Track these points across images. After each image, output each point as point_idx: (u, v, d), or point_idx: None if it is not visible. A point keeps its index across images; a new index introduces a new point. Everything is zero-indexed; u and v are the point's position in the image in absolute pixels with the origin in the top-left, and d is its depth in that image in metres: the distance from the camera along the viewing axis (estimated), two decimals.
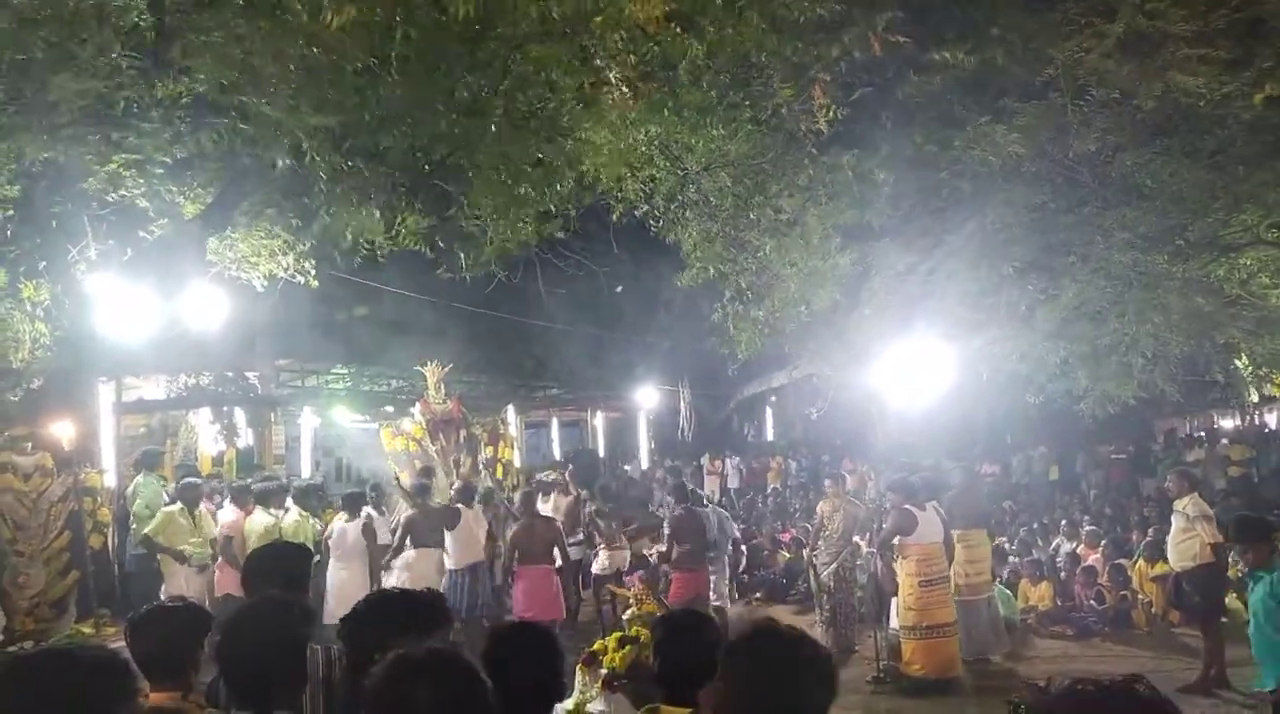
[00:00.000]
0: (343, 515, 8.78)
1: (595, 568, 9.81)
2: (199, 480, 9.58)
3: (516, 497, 10.02)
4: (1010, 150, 8.72)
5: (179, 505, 8.61)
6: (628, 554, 9.92)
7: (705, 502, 10.30)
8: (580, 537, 10.80)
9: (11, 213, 6.66)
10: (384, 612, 2.49)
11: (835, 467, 19.18)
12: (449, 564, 8.62)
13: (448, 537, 8.67)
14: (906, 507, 7.96)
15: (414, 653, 1.69)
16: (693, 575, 8.46)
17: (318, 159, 6.44)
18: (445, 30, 5.88)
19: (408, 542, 8.53)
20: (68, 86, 5.56)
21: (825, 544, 9.28)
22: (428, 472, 10.44)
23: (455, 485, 9.55)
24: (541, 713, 2.27)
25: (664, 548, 8.89)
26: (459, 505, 8.86)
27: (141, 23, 5.55)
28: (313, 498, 9.85)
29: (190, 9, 5.81)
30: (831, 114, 7.41)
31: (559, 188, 7.68)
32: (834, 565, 9.11)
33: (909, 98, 8.23)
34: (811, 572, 9.58)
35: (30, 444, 8.82)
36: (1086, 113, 8.57)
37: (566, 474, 12.16)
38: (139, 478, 9.48)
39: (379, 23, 5.60)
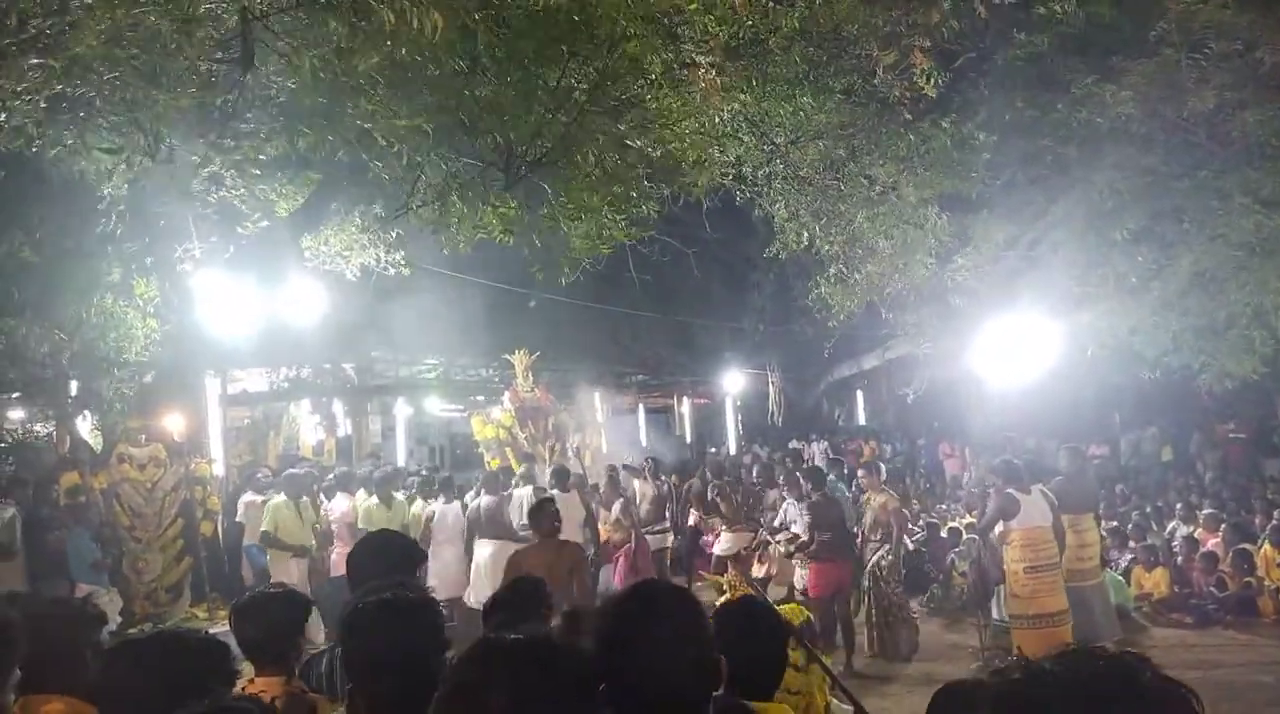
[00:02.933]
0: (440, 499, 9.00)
1: (718, 549, 9.65)
2: (300, 471, 9.87)
3: (601, 483, 10.05)
4: (1119, 111, 8.22)
5: (284, 498, 8.89)
6: (751, 535, 9.74)
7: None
8: (666, 525, 10.75)
9: (123, 211, 6.93)
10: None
11: (932, 450, 18.71)
12: None
13: None
14: (1009, 491, 7.63)
15: (498, 639, 1.58)
16: (833, 566, 8.06)
17: (412, 156, 6.49)
18: (540, 29, 5.86)
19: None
20: (161, 100, 5.73)
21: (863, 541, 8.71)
22: (529, 460, 10.56)
23: (550, 470, 9.62)
24: None
25: (802, 537, 8.47)
26: (555, 491, 8.93)
27: (224, 34, 5.68)
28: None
29: (274, 13, 5.92)
30: (934, 79, 7.08)
31: (651, 187, 7.60)
32: (872, 561, 8.49)
33: (1012, 59, 7.82)
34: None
35: (144, 436, 9.24)
36: (1204, 68, 8.03)
37: (645, 463, 12.02)
38: (277, 498, 9.17)
39: (471, 24, 5.59)
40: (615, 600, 1.77)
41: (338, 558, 8.66)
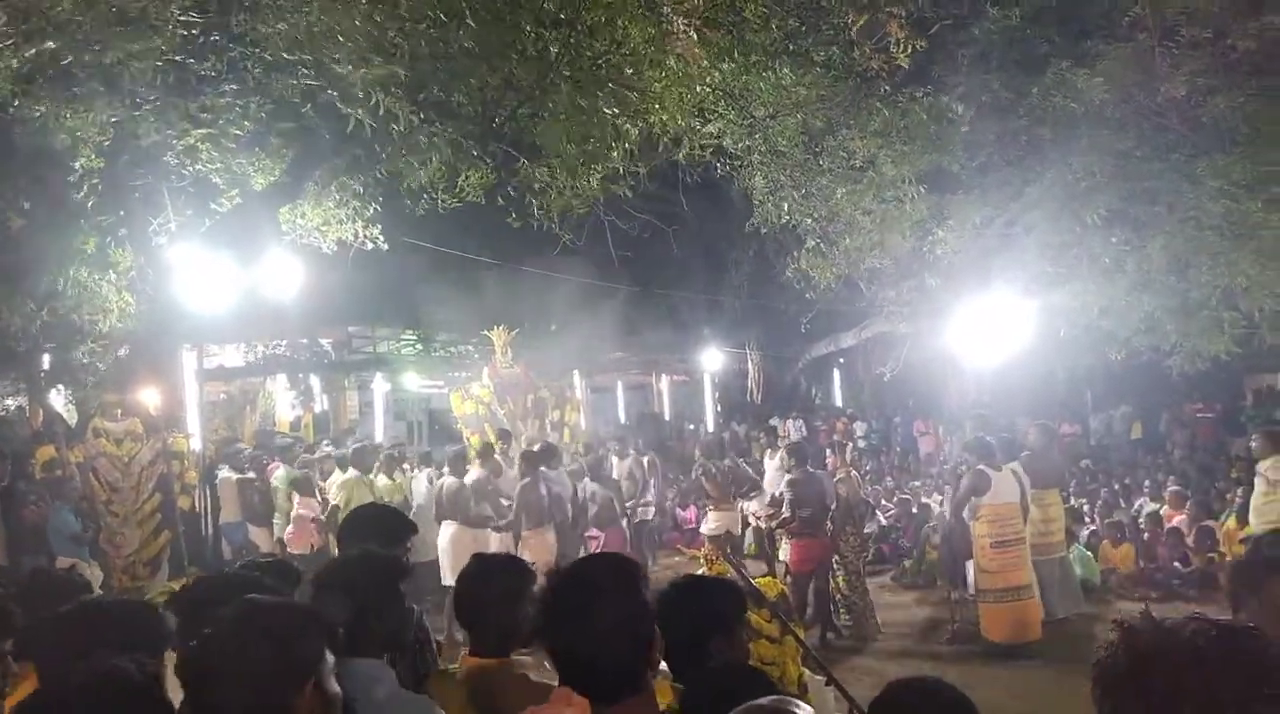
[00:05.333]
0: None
1: (705, 529, 9.63)
2: (368, 443, 9.71)
3: (585, 462, 10.05)
4: (1093, 96, 8.31)
5: (355, 473, 8.77)
6: (738, 515, 9.75)
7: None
8: (648, 499, 10.81)
9: (97, 183, 6.86)
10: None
11: (907, 427, 18.92)
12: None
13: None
14: (981, 467, 7.80)
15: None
16: (814, 543, 8.14)
17: (389, 108, 6.43)
18: None
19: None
20: (128, 47, 5.63)
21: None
22: (505, 435, 10.54)
23: (534, 449, 9.54)
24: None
25: (784, 513, 8.43)
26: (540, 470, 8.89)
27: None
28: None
29: None
30: (909, 48, 7.11)
31: (625, 140, 7.56)
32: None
33: (986, 33, 7.88)
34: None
35: (120, 410, 9.18)
36: (1176, 54, 8.13)
37: (617, 443, 12.02)
38: (348, 474, 9.09)
39: None
40: (555, 575, 1.85)
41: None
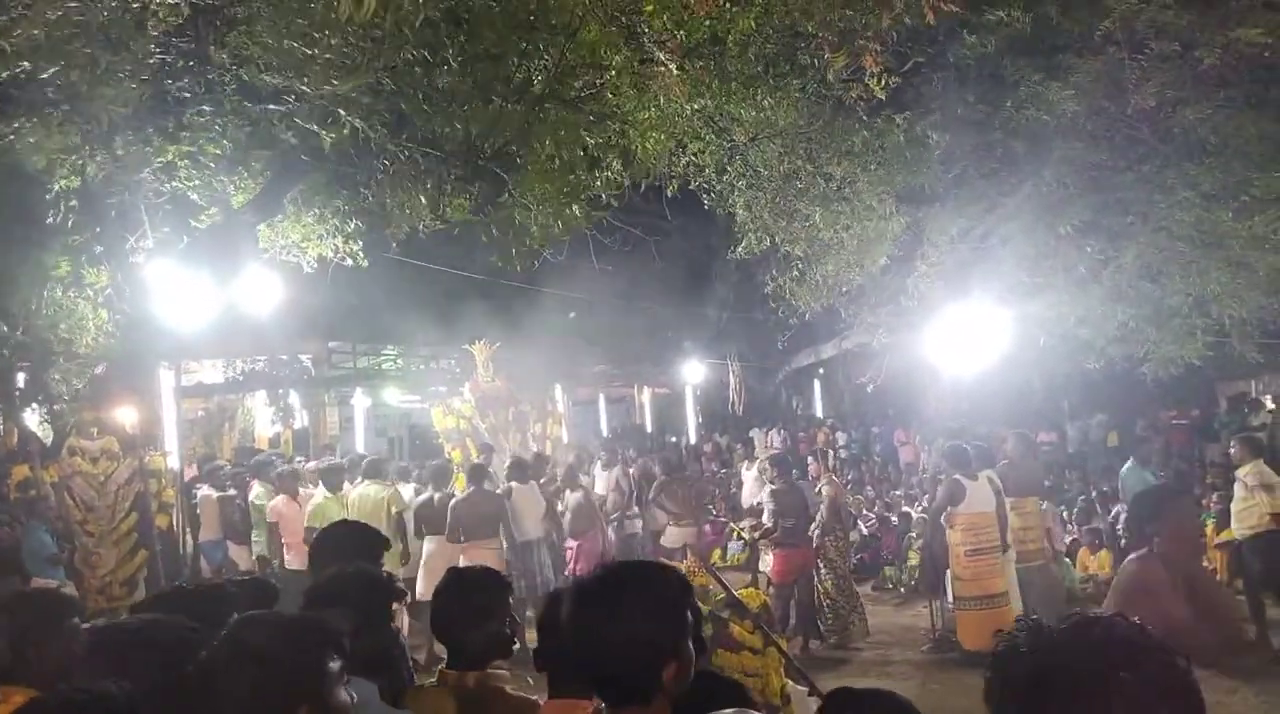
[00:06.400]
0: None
1: (665, 541, 9.74)
2: (341, 459, 9.70)
3: (559, 472, 10.05)
4: (1065, 109, 8.47)
5: (325, 492, 8.69)
6: (696, 530, 9.83)
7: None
8: (634, 511, 10.79)
9: (74, 203, 6.82)
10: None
11: (887, 437, 19.03)
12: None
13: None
14: (956, 476, 7.87)
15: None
16: (796, 552, 8.21)
17: (371, 139, 6.46)
18: (498, 18, 5.90)
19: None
20: (106, 93, 5.64)
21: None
22: (488, 450, 10.51)
23: (506, 463, 9.52)
24: None
25: (766, 524, 8.49)
26: (512, 484, 8.88)
27: (180, 23, 5.65)
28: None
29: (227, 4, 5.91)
30: (885, 82, 7.24)
31: (608, 174, 7.63)
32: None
33: (961, 59, 8.04)
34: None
35: (96, 429, 9.09)
36: (1145, 67, 8.31)
37: (602, 453, 12.01)
38: (319, 495, 8.95)
39: (434, 13, 5.62)
40: (578, 579, 1.84)
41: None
